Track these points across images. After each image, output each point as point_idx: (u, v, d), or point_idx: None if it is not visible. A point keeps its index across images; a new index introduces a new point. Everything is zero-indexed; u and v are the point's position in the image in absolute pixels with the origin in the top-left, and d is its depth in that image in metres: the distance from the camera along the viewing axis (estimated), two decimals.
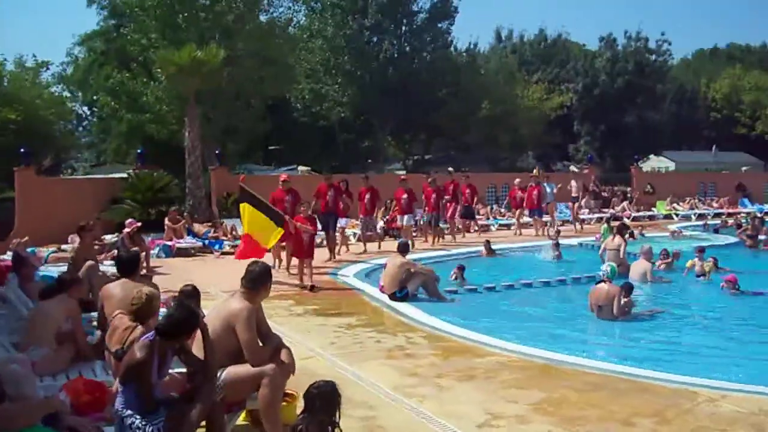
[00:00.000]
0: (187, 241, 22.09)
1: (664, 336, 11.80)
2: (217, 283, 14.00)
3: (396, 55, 45.14)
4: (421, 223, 24.83)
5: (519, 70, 56.93)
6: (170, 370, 5.92)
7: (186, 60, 24.50)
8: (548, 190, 27.09)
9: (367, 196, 21.86)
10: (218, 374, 6.07)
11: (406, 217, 23.13)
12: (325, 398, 5.27)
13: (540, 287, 16.28)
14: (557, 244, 21.25)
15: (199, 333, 5.96)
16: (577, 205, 30.27)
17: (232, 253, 21.70)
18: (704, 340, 11.66)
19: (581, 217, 33.15)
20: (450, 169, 30.02)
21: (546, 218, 27.65)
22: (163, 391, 5.60)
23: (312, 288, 14.91)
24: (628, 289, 13.01)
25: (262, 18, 34.48)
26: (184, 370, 6.18)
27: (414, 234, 23.76)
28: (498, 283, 16.11)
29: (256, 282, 6.69)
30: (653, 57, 59.09)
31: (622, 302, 12.54)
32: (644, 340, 11.56)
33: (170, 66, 25.14)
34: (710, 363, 9.98)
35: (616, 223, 27.19)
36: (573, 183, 30.14)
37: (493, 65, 56.26)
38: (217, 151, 28.64)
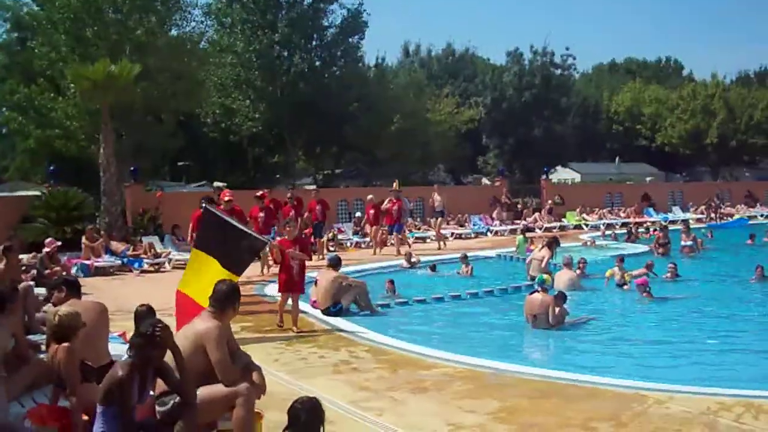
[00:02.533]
0: (106, 260, 21.65)
1: (599, 342, 12.19)
2: (141, 301, 13.74)
3: (306, 70, 44.95)
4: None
5: (428, 85, 57.37)
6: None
7: (100, 75, 24.00)
8: (406, 206, 26.10)
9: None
10: None
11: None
12: (310, 414, 5.26)
13: (468, 299, 16.46)
14: (465, 257, 21.38)
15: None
16: (441, 220, 28.67)
17: (152, 271, 21.57)
18: (637, 344, 12.07)
19: (495, 228, 33.78)
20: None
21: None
22: (140, 416, 5.50)
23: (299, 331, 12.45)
24: (562, 297, 13.29)
25: (174, 33, 34.02)
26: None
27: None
28: (428, 295, 16.25)
29: (224, 302, 6.61)
30: (558, 71, 60.31)
31: (556, 311, 12.78)
32: (581, 346, 11.91)
33: (83, 81, 24.57)
34: (648, 366, 10.37)
35: (531, 234, 27.88)
36: (436, 196, 28.68)
37: (402, 79, 56.53)
38: (132, 168, 28.12)
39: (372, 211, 25.66)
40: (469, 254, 21.93)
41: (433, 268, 21.17)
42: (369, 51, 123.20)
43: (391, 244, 25.76)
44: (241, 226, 10.99)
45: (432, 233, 29.70)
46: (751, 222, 38.49)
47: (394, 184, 27.25)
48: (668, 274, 18.58)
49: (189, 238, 17.71)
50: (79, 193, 25.76)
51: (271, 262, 17.87)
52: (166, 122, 36.05)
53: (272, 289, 16.57)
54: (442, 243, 27.30)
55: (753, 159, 70.73)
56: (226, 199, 16.12)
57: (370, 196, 26.67)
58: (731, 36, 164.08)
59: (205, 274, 9.87)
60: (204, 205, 12.15)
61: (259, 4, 43.35)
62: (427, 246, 27.70)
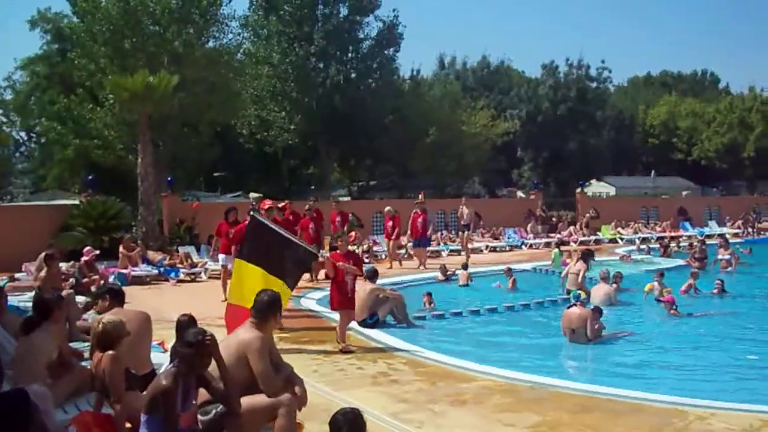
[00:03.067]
0: (143, 269, 21.78)
1: (637, 357, 12.07)
2: (179, 311, 13.81)
3: (342, 82, 45.16)
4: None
5: (463, 97, 57.40)
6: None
7: (139, 86, 24.26)
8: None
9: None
10: None
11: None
12: (351, 425, 5.24)
13: (505, 312, 16.38)
14: (510, 270, 21.37)
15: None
16: (468, 233, 28.03)
17: (189, 281, 21.67)
18: (676, 359, 11.96)
19: (529, 242, 33.64)
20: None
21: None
22: (183, 424, 5.52)
23: (348, 351, 11.67)
24: (598, 311, 13.21)
25: (211, 44, 34.32)
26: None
27: None
28: (464, 308, 16.22)
29: (266, 311, 6.65)
30: (594, 84, 60.16)
31: (595, 325, 12.71)
32: (619, 361, 11.81)
33: (123, 92, 24.86)
34: (688, 382, 10.31)
35: (566, 248, 27.70)
36: (464, 209, 27.61)
37: (437, 92, 56.65)
38: (169, 178, 28.44)
39: (390, 224, 24.73)
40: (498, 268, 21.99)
41: (465, 266, 21.50)
42: (404, 63, 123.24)
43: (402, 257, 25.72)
44: (292, 237, 10.90)
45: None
46: None
47: (420, 196, 26.66)
48: (715, 290, 18.43)
49: (217, 249, 17.94)
50: (116, 202, 25.96)
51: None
52: (203, 133, 36.45)
53: (308, 302, 16.66)
54: (468, 255, 26.74)
55: None
56: (267, 207, 15.27)
57: (387, 208, 25.77)
58: None
59: (253, 283, 9.84)
60: (251, 212, 11.65)
61: (295, 16, 43.64)
62: (461, 259, 27.51)
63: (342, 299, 12.24)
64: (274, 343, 6.85)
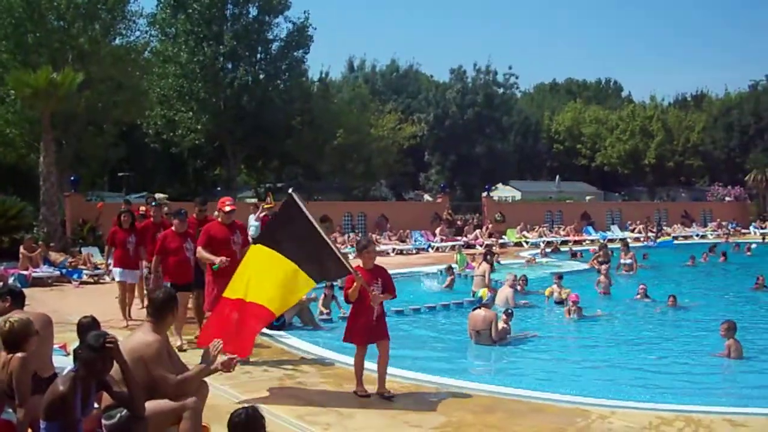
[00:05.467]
0: (44, 271, 21.28)
1: (541, 358, 12.42)
2: (81, 313, 13.53)
3: (250, 83, 44.79)
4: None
5: (372, 100, 57.57)
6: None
7: (42, 82, 23.76)
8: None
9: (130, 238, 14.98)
10: None
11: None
12: (250, 425, 5.23)
13: (411, 314, 16.52)
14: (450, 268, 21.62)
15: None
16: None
17: (92, 283, 21.24)
18: (577, 360, 12.36)
19: (436, 245, 33.98)
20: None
21: None
22: (84, 429, 5.44)
23: (391, 397, 9.14)
24: (508, 314, 13.49)
25: (117, 42, 33.72)
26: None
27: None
28: None
29: (162, 310, 6.58)
30: (501, 90, 61.08)
31: (500, 327, 12.94)
32: (523, 362, 12.11)
33: (25, 88, 24.28)
34: (589, 382, 10.61)
35: (472, 251, 28.12)
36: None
37: (346, 94, 56.72)
38: (72, 178, 27.85)
39: None
40: (412, 270, 22.09)
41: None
42: (313, 65, 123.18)
43: None
44: (330, 242, 9.49)
45: None
46: (688, 242, 39.56)
47: (267, 198, 24.52)
48: (638, 295, 18.86)
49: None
50: (17, 201, 25.32)
51: None
52: (108, 132, 35.83)
53: None
54: None
55: (689, 180, 72.31)
56: (227, 208, 11.67)
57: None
58: (669, 60, 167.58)
59: (268, 271, 9.21)
60: (291, 191, 9.75)
61: (204, 15, 43.05)
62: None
63: (367, 329, 9.44)
64: (171, 344, 6.79)
